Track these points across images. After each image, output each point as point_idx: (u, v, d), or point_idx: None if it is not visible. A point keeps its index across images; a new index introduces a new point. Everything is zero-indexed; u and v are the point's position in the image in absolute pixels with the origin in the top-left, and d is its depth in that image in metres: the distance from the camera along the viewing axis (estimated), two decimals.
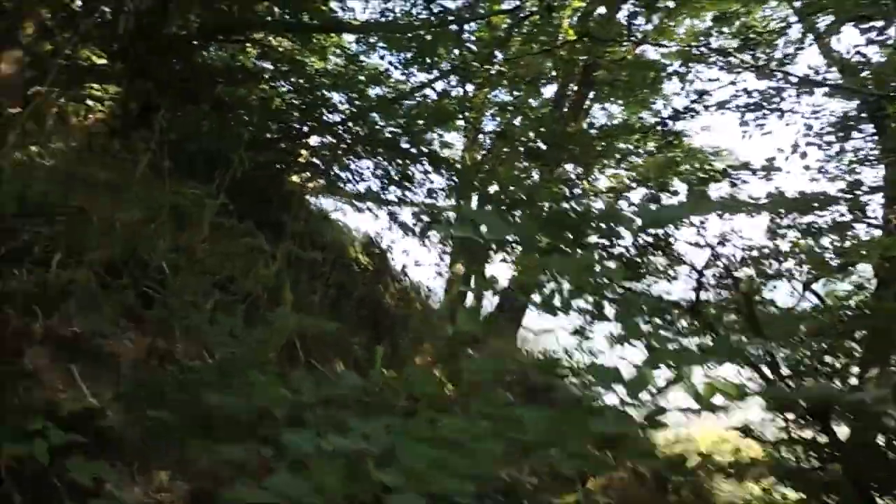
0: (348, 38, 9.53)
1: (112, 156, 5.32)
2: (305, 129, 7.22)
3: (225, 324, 3.06)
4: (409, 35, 7.97)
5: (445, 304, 11.56)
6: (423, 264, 8.95)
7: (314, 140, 7.40)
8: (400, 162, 7.47)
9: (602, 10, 9.05)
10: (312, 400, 1.81)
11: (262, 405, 1.88)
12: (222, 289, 4.02)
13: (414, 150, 7.35)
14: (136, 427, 2.70)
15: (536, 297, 2.08)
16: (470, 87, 9.20)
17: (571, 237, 2.28)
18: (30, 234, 3.69)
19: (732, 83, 7.27)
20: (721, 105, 6.93)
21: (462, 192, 9.22)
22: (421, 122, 7.35)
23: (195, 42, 6.85)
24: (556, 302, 2.13)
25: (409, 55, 8.01)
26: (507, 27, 9.13)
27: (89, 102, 6.18)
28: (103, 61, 6.28)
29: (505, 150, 9.62)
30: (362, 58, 8.07)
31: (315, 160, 7.33)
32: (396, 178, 7.37)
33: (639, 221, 2.18)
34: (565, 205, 7.44)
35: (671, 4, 8.25)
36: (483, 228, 2.21)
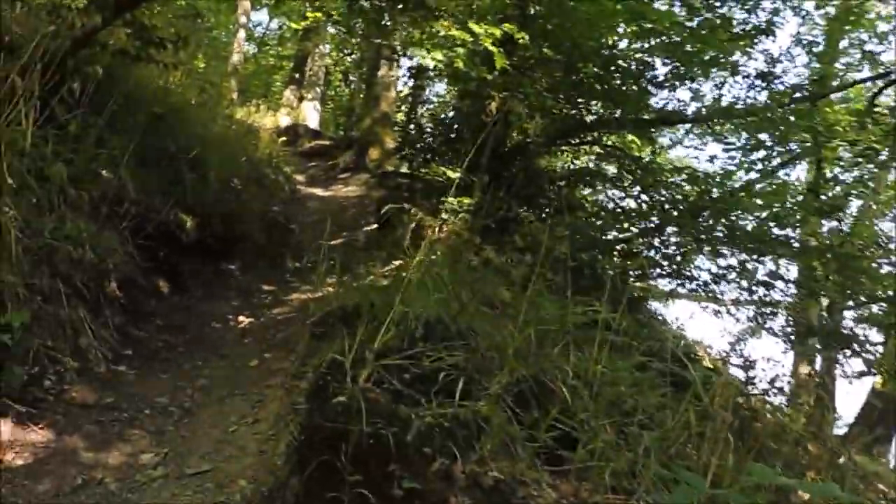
0: (675, 129, 8.96)
1: (477, 268, 5.21)
2: (652, 226, 6.63)
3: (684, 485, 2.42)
4: (753, 119, 7.12)
5: (805, 413, 9.90)
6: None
7: (663, 239, 6.77)
8: (762, 257, 6.48)
9: None
10: None
11: None
12: (629, 417, 3.44)
13: (781, 241, 6.32)
14: None
15: None
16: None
17: None
18: (430, 362, 3.51)
19: None
20: None
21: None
22: (791, 208, 6.32)
23: (537, 149, 6.76)
24: None
25: (759, 137, 7.14)
26: (870, 95, 7.88)
27: (444, 216, 6.29)
28: (456, 175, 6.40)
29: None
30: (702, 148, 7.38)
31: (664, 260, 6.67)
32: (764, 275, 6.36)
33: None
34: None
35: None
36: None
